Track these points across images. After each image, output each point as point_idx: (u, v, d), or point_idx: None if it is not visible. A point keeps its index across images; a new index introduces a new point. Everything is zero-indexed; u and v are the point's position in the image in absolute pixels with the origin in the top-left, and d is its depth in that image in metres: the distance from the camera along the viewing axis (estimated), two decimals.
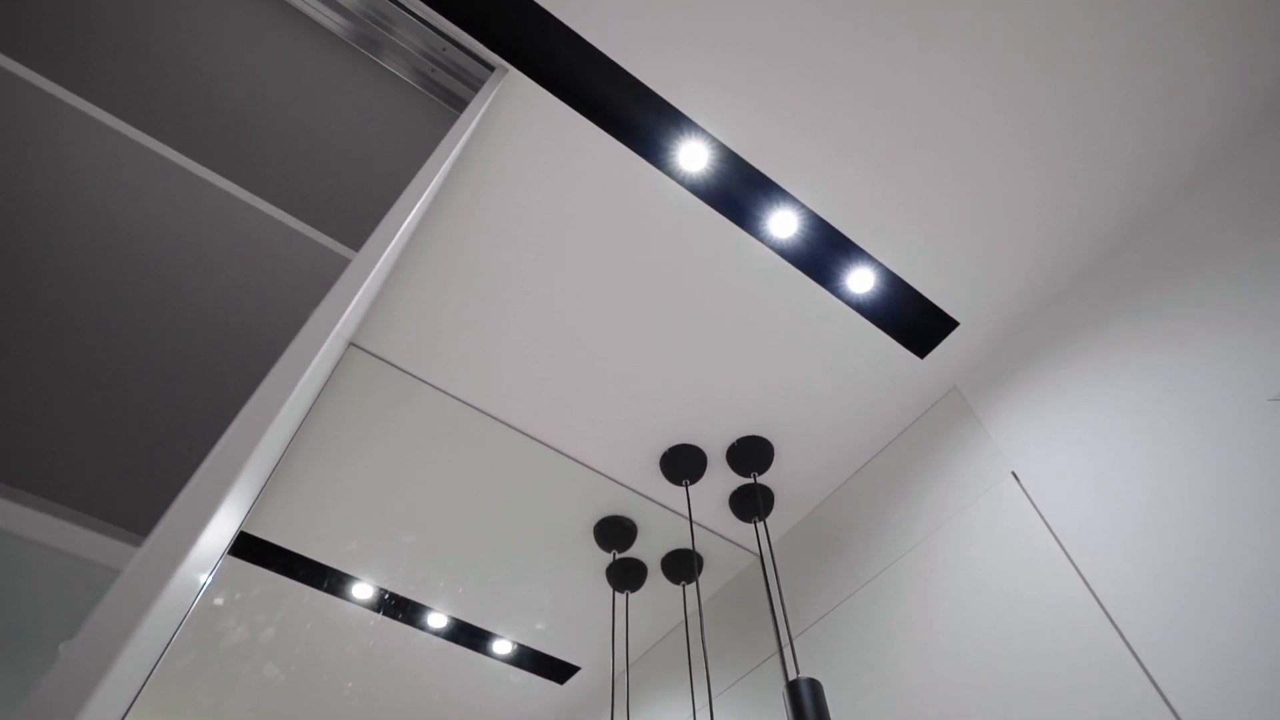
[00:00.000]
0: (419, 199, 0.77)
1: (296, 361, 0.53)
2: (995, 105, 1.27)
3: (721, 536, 1.94)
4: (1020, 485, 1.34)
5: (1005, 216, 1.40)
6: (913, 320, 1.54)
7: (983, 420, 1.50)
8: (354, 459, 1.73)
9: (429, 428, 1.70)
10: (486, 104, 1.12)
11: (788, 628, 1.57)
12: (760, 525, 1.88)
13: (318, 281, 0.80)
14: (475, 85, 1.31)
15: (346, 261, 0.77)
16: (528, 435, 1.72)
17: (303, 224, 0.75)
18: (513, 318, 1.54)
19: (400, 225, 0.72)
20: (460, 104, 1.34)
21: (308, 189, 1.31)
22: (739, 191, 1.39)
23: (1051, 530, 1.27)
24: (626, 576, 2.01)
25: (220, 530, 0.48)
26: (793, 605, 1.78)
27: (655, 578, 2.02)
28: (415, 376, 1.63)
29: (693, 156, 1.35)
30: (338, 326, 0.60)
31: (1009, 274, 1.47)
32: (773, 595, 1.80)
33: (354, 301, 0.62)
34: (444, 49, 1.27)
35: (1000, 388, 1.51)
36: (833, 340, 1.57)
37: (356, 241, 1.33)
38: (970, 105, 1.28)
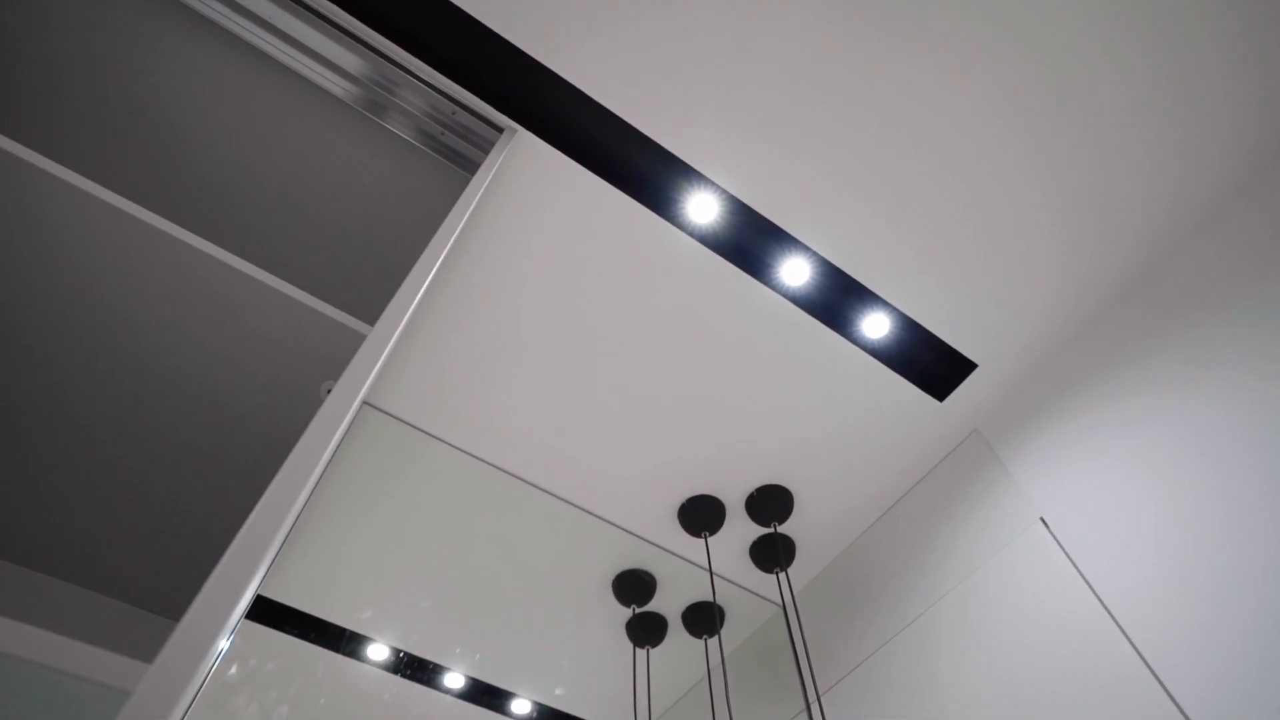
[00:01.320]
0: (432, 268, 0.77)
1: (310, 451, 0.52)
2: (1006, 147, 1.27)
3: (743, 588, 1.89)
4: (1050, 531, 1.31)
5: (1020, 257, 1.39)
6: (930, 363, 1.52)
7: (1007, 464, 1.46)
8: (366, 517, 1.71)
9: (443, 484, 1.68)
10: (496, 166, 1.12)
11: (814, 682, 1.52)
12: (782, 575, 1.83)
13: (331, 353, 0.79)
14: (483, 145, 1.33)
15: (358, 334, 0.76)
16: (543, 490, 1.70)
17: (316, 300, 0.75)
18: (525, 372, 1.54)
19: (415, 296, 0.71)
20: (467, 162, 1.36)
21: (316, 258, 1.32)
22: (750, 241, 1.38)
23: (1084, 577, 1.23)
24: (646, 631, 1.96)
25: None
26: (818, 657, 1.72)
27: (676, 632, 1.97)
28: (427, 433, 1.62)
29: (702, 208, 1.36)
30: (355, 405, 0.59)
31: (1026, 314, 1.45)
32: (797, 648, 1.75)
33: (371, 376, 0.61)
34: (453, 112, 1.28)
35: (1023, 430, 1.48)
36: (850, 386, 1.55)
37: (368, 308, 1.34)
38: (980, 147, 1.28)
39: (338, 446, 0.57)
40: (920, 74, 1.21)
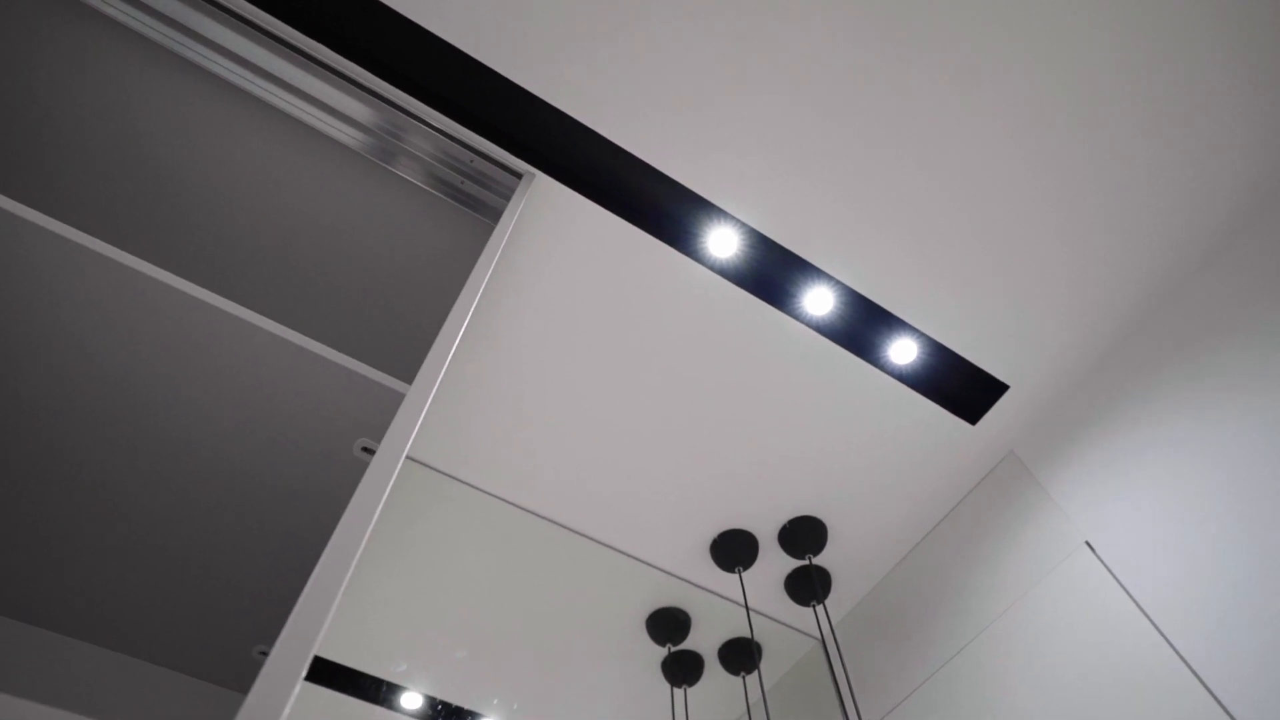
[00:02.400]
0: (464, 321, 0.77)
1: (360, 513, 0.51)
2: (1025, 170, 1.27)
3: (779, 622, 1.86)
4: (1096, 555, 1.27)
5: (1045, 278, 1.37)
6: (960, 386, 1.50)
7: (1046, 486, 1.43)
8: (397, 566, 1.70)
9: (472, 530, 1.68)
10: (518, 213, 1.13)
11: (859, 717, 1.48)
12: (819, 608, 1.80)
13: (358, 410, 0.79)
14: (501, 191, 1.34)
15: (388, 389, 0.76)
16: (573, 531, 1.69)
17: (345, 357, 0.75)
18: (553, 414, 1.53)
19: (449, 350, 0.71)
20: (486, 208, 1.36)
21: (337, 311, 1.33)
22: (771, 273, 1.38)
23: (1135, 600, 1.20)
24: (683, 670, 1.93)
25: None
26: (861, 691, 1.68)
27: (713, 670, 1.93)
28: (456, 478, 1.61)
29: (722, 242, 1.36)
30: (399, 463, 0.58)
31: (1056, 333, 1.43)
32: (839, 682, 1.71)
33: (413, 434, 0.61)
34: (471, 160, 1.30)
35: (1060, 451, 1.45)
36: (879, 413, 1.53)
37: (392, 359, 1.34)
38: (1000, 172, 1.27)
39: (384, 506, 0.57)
40: (939, 103, 1.21)
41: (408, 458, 1.56)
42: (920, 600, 1.63)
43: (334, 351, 0.77)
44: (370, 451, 0.82)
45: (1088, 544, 1.30)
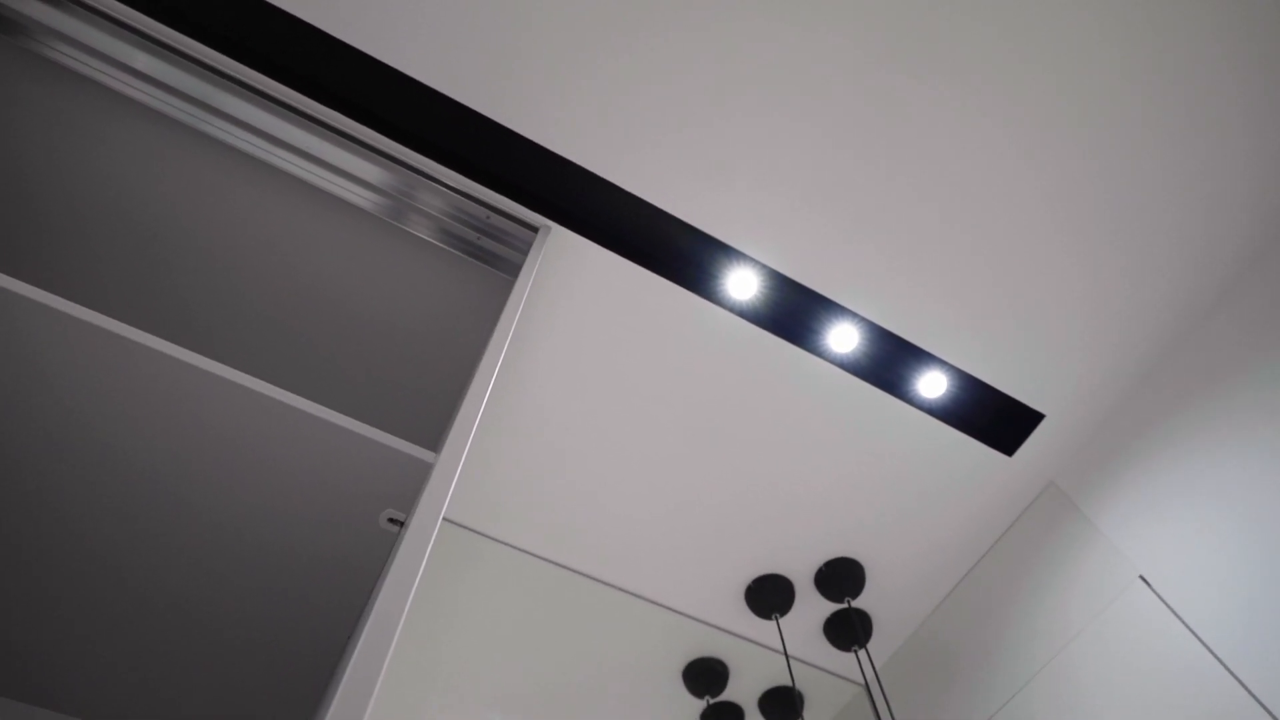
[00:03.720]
0: (489, 384, 0.75)
1: (399, 585, 0.50)
2: (1043, 197, 1.25)
3: (820, 669, 1.79)
4: (1152, 590, 1.22)
5: (1072, 302, 1.34)
6: (994, 418, 1.46)
7: (1093, 518, 1.38)
8: (426, 626, 1.67)
9: (502, 585, 1.64)
10: (537, 266, 1.13)
11: None
12: (861, 653, 1.74)
13: (382, 478, 0.77)
14: (517, 245, 1.33)
15: (412, 457, 0.75)
16: (604, 583, 1.65)
17: (368, 427, 0.73)
18: (578, 467, 1.51)
19: (476, 415, 0.70)
20: (503, 263, 1.36)
21: (355, 377, 1.32)
22: (793, 312, 1.36)
23: (1199, 637, 1.14)
24: None
25: None
26: None
27: None
28: (483, 534, 1.59)
29: (742, 284, 1.35)
30: (435, 533, 0.57)
31: (1090, 359, 1.40)
32: None
33: (444, 509, 0.59)
34: (487, 216, 1.30)
35: (1105, 480, 1.40)
36: (912, 449, 1.49)
37: (419, 424, 1.32)
38: (1019, 200, 1.26)
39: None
40: (955, 136, 1.20)
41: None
42: (967, 641, 1.57)
43: (355, 421, 0.76)
44: (396, 523, 0.80)
45: (1142, 578, 1.24)
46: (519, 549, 1.60)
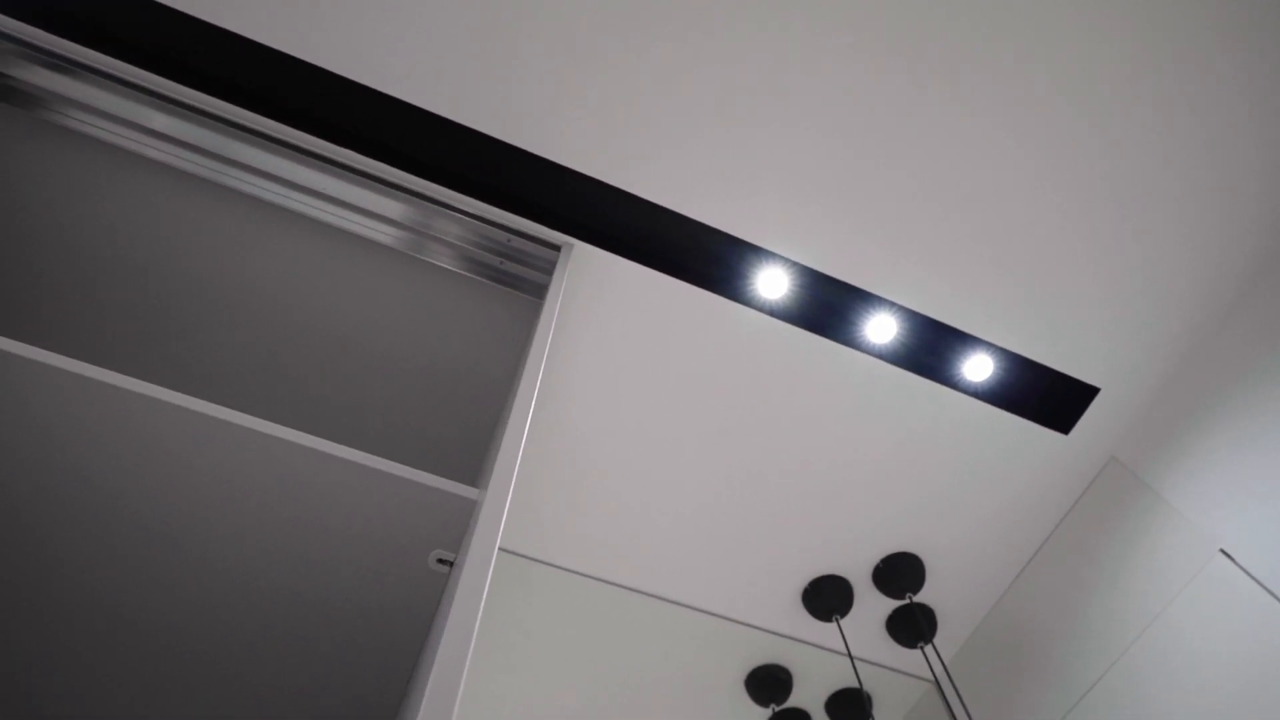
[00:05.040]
0: (528, 412, 0.73)
1: (461, 627, 0.48)
2: (1078, 169, 1.20)
3: (887, 668, 1.74)
4: (1235, 563, 1.16)
5: (1118, 270, 1.29)
6: (1045, 396, 1.41)
7: (1162, 492, 1.32)
8: (486, 658, 1.65)
9: (556, 608, 1.63)
10: (563, 286, 1.11)
11: None
12: (928, 648, 1.68)
13: (430, 520, 0.75)
14: (541, 265, 1.31)
15: (459, 498, 0.73)
16: (659, 597, 1.62)
17: (410, 469, 0.72)
18: (620, 481, 1.49)
19: (519, 449, 0.68)
20: (525, 283, 1.34)
21: (395, 419, 1.31)
22: (827, 306, 1.33)
23: None
24: None
25: None
26: None
27: None
28: (535, 559, 1.57)
29: (773, 283, 1.31)
30: (490, 570, 0.55)
31: (1142, 327, 1.34)
32: None
33: (498, 544, 0.58)
34: (508, 240, 1.29)
35: (1170, 451, 1.34)
36: (962, 435, 1.45)
37: (458, 458, 1.31)
38: (1052, 176, 1.21)
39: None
40: (978, 112, 1.17)
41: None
42: (1038, 630, 1.51)
43: (393, 464, 0.74)
44: (446, 563, 0.79)
45: (1223, 551, 1.18)
46: (569, 570, 1.58)
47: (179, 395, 0.70)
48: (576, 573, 1.57)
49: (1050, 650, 1.46)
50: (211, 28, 1.12)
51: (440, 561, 0.79)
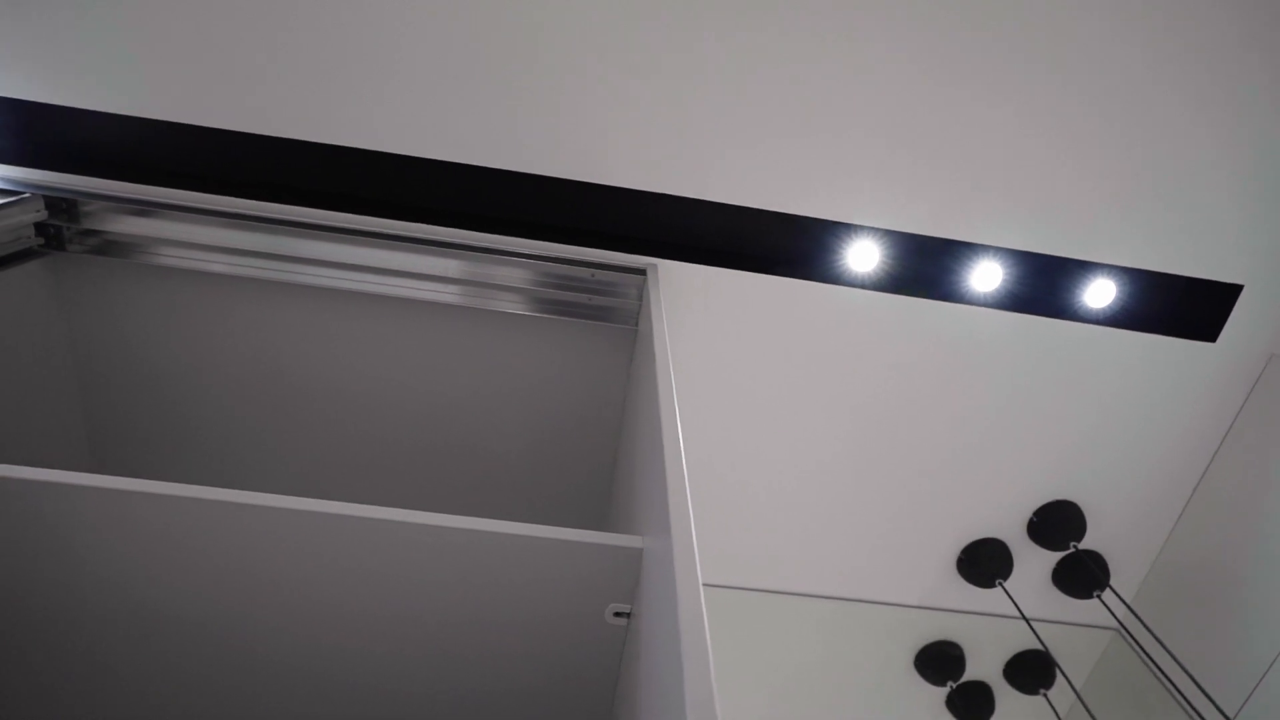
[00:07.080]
0: (679, 448, 0.71)
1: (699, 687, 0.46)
2: (1158, 56, 1.12)
3: (1065, 623, 1.65)
4: None
5: (1228, 153, 1.19)
6: (1180, 306, 1.31)
7: None
8: None
9: (726, 625, 1.61)
10: (664, 308, 1.09)
11: (1213, 702, 1.27)
12: (1105, 594, 1.59)
13: (594, 575, 0.74)
14: (628, 293, 1.29)
15: (623, 549, 0.72)
16: (816, 596, 1.58)
17: (569, 530, 0.70)
18: (758, 490, 1.46)
19: (685, 486, 0.66)
20: (615, 313, 1.32)
21: (521, 474, 1.32)
22: (924, 267, 1.27)
23: None
24: (973, 705, 1.74)
25: None
26: (1198, 671, 1.45)
27: (1006, 696, 1.74)
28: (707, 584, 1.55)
29: (863, 256, 1.26)
30: (707, 630, 0.53)
31: (1272, 213, 1.23)
32: (1162, 670, 1.48)
33: (700, 585, 0.56)
34: (592, 275, 1.27)
35: None
36: (1097, 366, 1.36)
37: (589, 506, 1.29)
38: (1140, 63, 1.13)
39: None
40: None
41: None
42: (1228, 552, 1.40)
43: (555, 529, 0.73)
44: (623, 615, 0.77)
45: None
46: (728, 587, 1.56)
47: (341, 505, 0.70)
48: (729, 587, 1.55)
49: (1241, 573, 1.36)
50: (272, 140, 1.15)
51: (617, 615, 0.78)
